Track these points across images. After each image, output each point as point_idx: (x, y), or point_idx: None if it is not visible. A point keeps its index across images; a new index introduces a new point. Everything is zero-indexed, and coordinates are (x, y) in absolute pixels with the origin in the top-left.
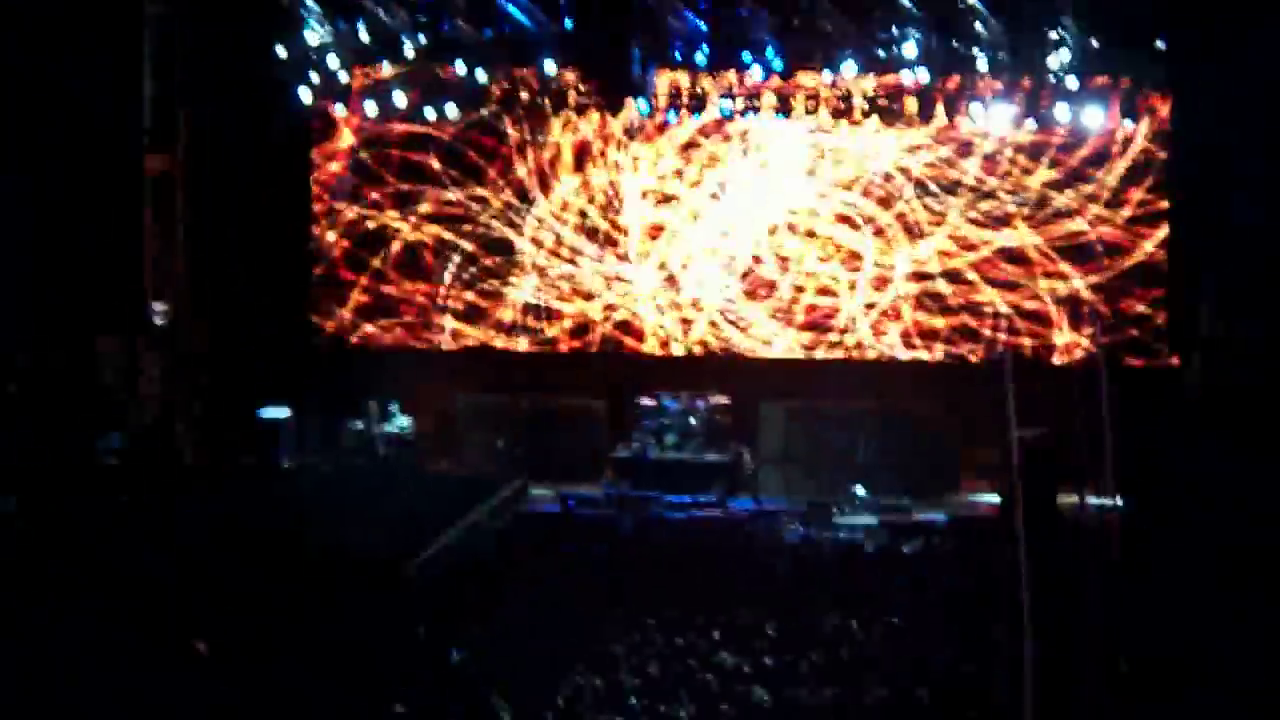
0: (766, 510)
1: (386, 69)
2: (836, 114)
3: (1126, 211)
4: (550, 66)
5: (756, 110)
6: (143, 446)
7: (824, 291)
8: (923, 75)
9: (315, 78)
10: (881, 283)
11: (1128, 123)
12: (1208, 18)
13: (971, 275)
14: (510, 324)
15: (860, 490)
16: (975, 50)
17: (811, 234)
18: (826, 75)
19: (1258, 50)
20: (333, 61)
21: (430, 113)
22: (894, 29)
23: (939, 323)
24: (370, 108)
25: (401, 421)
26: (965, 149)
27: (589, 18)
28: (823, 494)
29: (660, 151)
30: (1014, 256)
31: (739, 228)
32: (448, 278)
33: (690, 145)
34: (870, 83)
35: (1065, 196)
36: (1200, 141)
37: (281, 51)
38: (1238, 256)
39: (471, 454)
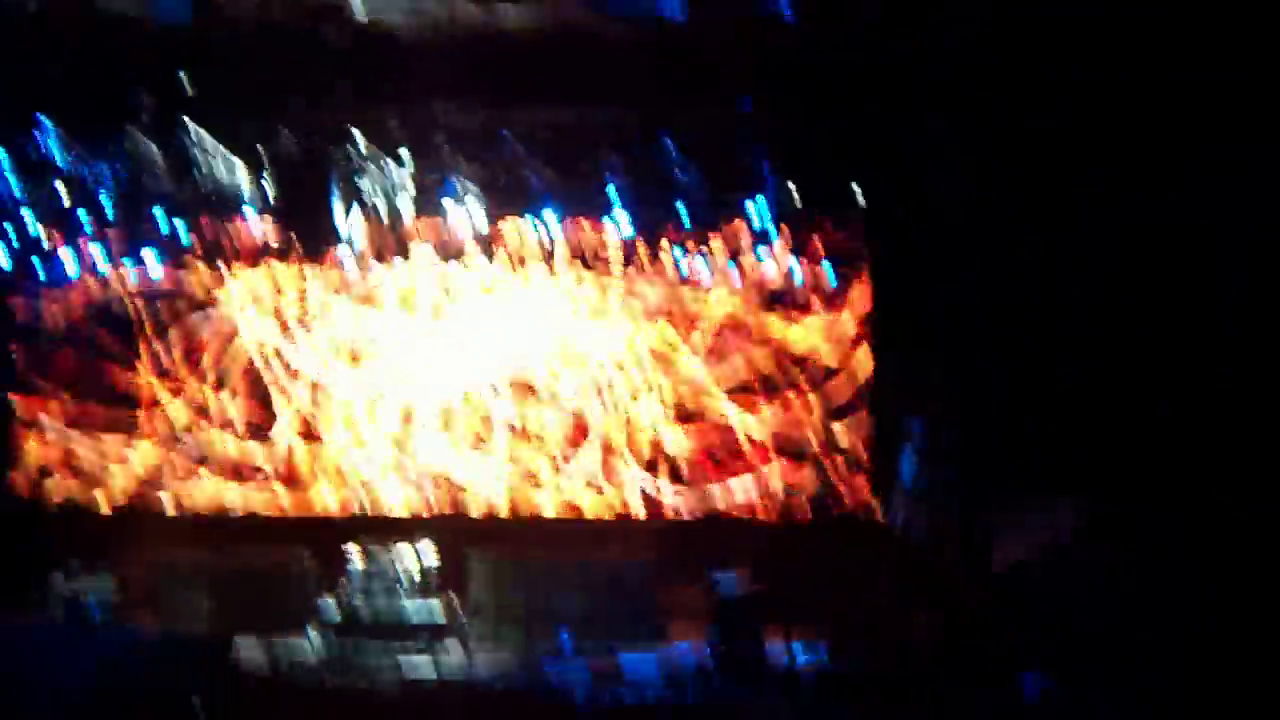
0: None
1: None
2: (540, 261)
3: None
4: (250, 217)
5: (460, 257)
6: None
7: (532, 439)
8: (625, 225)
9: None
10: (584, 432)
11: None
12: (905, 169)
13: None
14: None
15: (567, 640)
16: (675, 199)
17: (521, 383)
18: (529, 223)
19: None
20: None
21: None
22: (598, 178)
23: (648, 467)
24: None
25: (101, 579)
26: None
27: (289, 168)
28: (531, 645)
29: (365, 299)
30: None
31: (447, 377)
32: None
33: (395, 294)
34: (573, 232)
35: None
36: (901, 293)
37: None
38: (940, 412)
39: (174, 610)
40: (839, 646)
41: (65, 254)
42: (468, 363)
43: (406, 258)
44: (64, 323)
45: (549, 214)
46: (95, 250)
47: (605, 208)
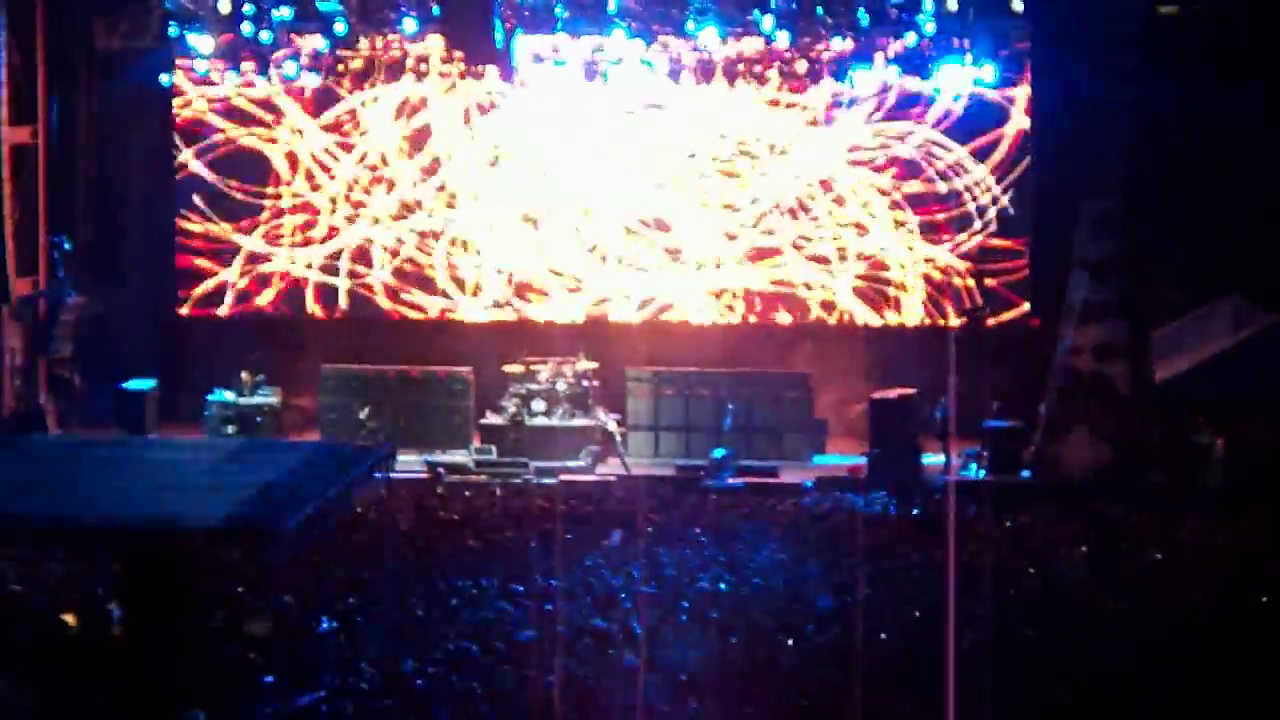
0: (635, 475)
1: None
2: (699, 78)
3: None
4: (411, 29)
5: (616, 75)
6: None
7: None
8: (783, 39)
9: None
10: (754, 251)
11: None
12: None
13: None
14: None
15: (725, 453)
16: (834, 15)
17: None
18: (688, 39)
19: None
20: (194, 33)
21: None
22: None
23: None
24: (234, 75)
25: (268, 392)
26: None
27: None
28: (691, 458)
29: (523, 118)
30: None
31: (602, 194)
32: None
33: (552, 112)
34: (732, 47)
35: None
36: (1060, 96)
37: (136, 24)
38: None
39: (338, 423)
40: (999, 458)
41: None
42: (627, 176)
43: (565, 73)
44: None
45: (705, 30)
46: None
47: (761, 23)
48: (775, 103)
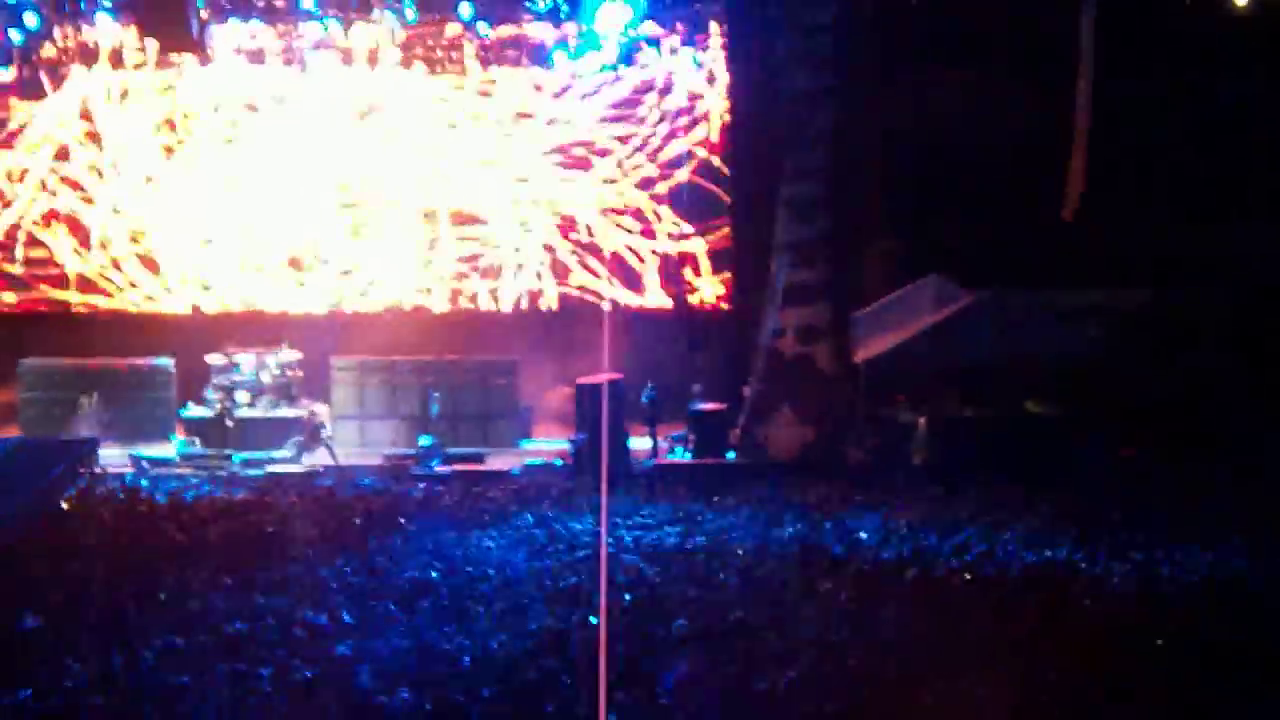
0: (342, 466)
1: None
2: (402, 64)
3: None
4: (106, 22)
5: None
6: None
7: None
8: (480, 26)
9: None
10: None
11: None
12: None
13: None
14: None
15: (432, 441)
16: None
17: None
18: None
19: None
20: None
21: None
22: None
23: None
24: None
25: None
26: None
27: None
28: (399, 447)
29: (221, 107)
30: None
31: (303, 182)
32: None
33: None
34: (427, 32)
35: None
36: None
37: None
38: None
39: (39, 419)
40: (705, 441)
41: None
42: (328, 164)
43: (262, 61)
44: None
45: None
46: None
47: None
48: (467, 87)
